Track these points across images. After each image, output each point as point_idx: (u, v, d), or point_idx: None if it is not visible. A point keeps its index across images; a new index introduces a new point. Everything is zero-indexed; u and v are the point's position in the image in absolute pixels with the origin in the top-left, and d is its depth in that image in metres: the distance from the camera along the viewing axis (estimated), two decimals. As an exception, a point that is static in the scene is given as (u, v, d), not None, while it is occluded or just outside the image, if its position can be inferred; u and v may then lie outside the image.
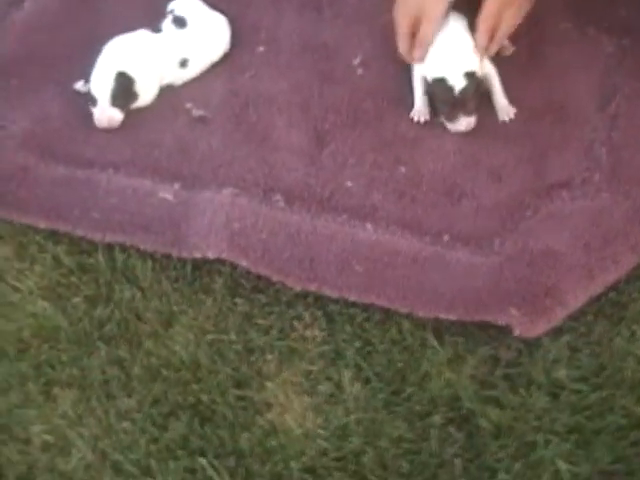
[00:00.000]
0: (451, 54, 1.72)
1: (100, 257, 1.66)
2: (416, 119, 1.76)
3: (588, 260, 1.53)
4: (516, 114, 1.74)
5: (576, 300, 1.51)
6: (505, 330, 1.52)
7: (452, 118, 1.71)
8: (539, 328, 1.49)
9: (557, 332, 1.53)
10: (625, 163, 1.65)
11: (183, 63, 1.87)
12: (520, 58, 1.81)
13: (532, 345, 1.52)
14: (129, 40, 1.86)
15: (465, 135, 1.73)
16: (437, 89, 1.71)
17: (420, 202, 1.65)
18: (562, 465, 1.40)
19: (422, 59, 1.75)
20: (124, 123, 1.82)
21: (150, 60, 1.84)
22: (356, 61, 1.85)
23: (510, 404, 1.47)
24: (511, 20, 1.72)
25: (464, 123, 1.71)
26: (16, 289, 1.67)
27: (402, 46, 1.78)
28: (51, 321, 1.62)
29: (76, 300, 1.64)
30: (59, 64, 1.91)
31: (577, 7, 1.85)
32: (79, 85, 1.87)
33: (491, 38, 1.72)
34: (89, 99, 1.81)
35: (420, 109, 1.77)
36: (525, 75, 1.77)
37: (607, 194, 1.61)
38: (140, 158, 1.75)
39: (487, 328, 1.54)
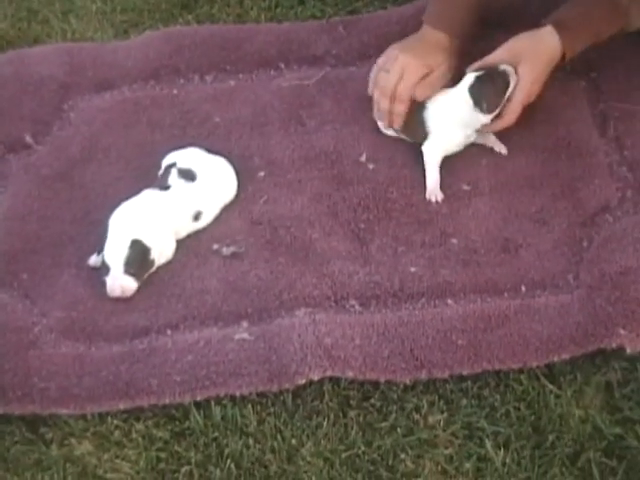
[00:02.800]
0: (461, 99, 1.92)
1: (196, 418, 1.68)
2: (433, 200, 1.90)
3: (661, 266, 1.70)
4: (532, 158, 1.91)
5: (666, 307, 1.68)
6: (607, 354, 1.66)
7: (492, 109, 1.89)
8: (643, 340, 1.65)
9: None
10: (648, 176, 1.86)
11: (197, 216, 1.92)
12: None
13: (636, 360, 1.66)
14: (138, 203, 1.90)
15: (493, 193, 1.89)
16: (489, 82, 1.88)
17: (485, 265, 1.78)
18: None
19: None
20: (162, 281, 1.86)
21: (163, 221, 1.89)
22: (363, 158, 1.97)
23: (645, 418, 1.61)
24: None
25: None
26: (112, 481, 1.68)
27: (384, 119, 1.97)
28: (166, 498, 1.63)
29: (185, 469, 1.65)
30: (62, 247, 1.95)
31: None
32: (92, 260, 1.90)
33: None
34: (103, 269, 1.85)
35: (433, 189, 1.91)
36: (525, 122, 1.92)
37: (646, 206, 1.81)
38: (195, 310, 1.80)
39: (592, 358, 1.67)
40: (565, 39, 1.86)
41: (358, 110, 2.03)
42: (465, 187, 1.91)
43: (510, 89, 1.88)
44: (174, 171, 1.94)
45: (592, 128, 1.95)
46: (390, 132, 2.00)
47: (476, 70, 1.91)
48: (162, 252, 1.89)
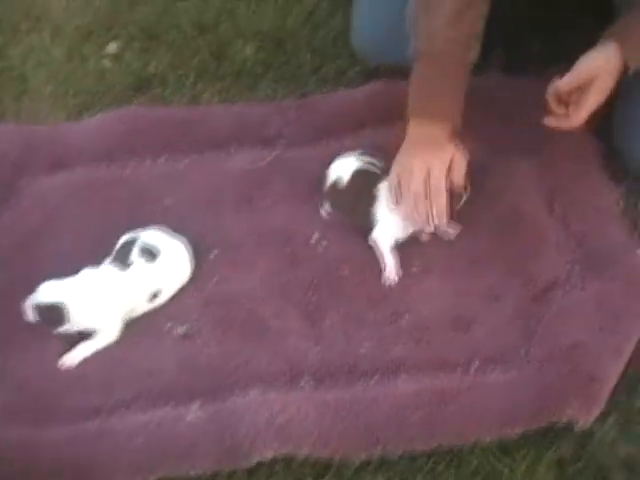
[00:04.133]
0: None
1: (148, 499, 1.69)
2: (391, 278, 1.93)
3: (610, 340, 1.74)
4: (481, 235, 1.96)
5: (613, 379, 1.71)
6: (559, 429, 1.70)
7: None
8: (594, 414, 1.68)
9: (602, 415, 1.71)
10: (594, 250, 1.90)
11: (153, 297, 1.94)
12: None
13: (586, 436, 1.71)
14: (96, 277, 1.92)
15: (447, 271, 1.93)
16: None
17: (437, 342, 1.82)
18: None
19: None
20: (113, 360, 1.86)
21: (114, 299, 1.91)
22: (314, 238, 2.01)
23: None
24: None
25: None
26: None
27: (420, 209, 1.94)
28: None
29: None
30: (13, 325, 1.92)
31: (493, 139, 2.07)
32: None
33: None
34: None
35: (389, 272, 1.94)
36: (474, 201, 1.97)
37: (594, 280, 1.85)
38: (147, 389, 1.80)
39: (544, 432, 1.70)
40: (628, 51, 1.88)
41: (309, 191, 2.07)
42: (414, 268, 1.95)
43: (463, 200, 1.95)
44: (136, 248, 1.96)
45: (539, 205, 2.00)
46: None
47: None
48: (104, 330, 1.90)
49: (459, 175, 1.93)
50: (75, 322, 1.88)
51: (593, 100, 1.90)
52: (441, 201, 1.92)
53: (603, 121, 2.03)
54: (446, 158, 1.93)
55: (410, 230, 1.98)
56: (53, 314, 1.87)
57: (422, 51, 1.93)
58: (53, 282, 1.90)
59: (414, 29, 1.95)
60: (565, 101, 1.92)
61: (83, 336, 1.90)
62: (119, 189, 2.16)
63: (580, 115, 1.91)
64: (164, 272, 1.95)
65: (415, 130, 1.95)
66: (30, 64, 2.52)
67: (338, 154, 2.08)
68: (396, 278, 1.94)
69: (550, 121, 1.94)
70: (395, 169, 1.98)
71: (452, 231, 1.98)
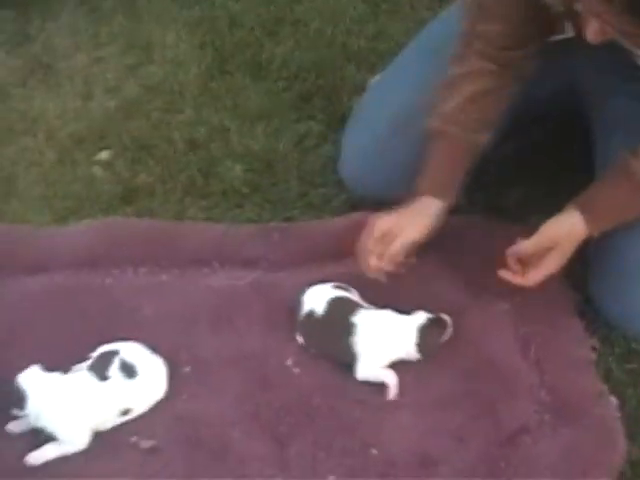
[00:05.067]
0: (396, 320, 2.01)
1: None
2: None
3: (578, 492, 1.75)
4: (455, 376, 1.97)
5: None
6: None
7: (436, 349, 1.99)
8: None
9: None
10: (565, 399, 1.92)
11: (125, 412, 1.93)
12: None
13: None
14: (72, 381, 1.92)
15: (418, 407, 1.93)
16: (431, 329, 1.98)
17: (402, 478, 1.81)
18: None
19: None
20: (72, 469, 1.83)
21: (86, 407, 1.90)
22: (289, 362, 2.02)
23: None
24: None
25: None
26: None
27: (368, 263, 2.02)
28: None
29: None
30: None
31: (470, 281, 2.15)
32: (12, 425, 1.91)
33: None
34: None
35: (395, 387, 1.95)
36: (451, 342, 2.01)
37: (564, 429, 1.86)
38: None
39: None
40: (591, 222, 1.96)
41: (287, 315, 2.09)
42: (387, 400, 1.95)
43: (444, 336, 2.00)
44: (116, 361, 1.95)
45: (513, 350, 2.02)
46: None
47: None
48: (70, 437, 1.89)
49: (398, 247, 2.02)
50: (35, 415, 1.88)
51: (552, 266, 1.98)
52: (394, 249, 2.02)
53: (579, 268, 2.11)
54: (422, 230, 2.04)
55: (394, 357, 2.00)
56: (16, 396, 1.88)
57: (431, 129, 2.07)
58: (36, 369, 1.91)
59: (432, 110, 2.08)
60: (524, 261, 2.00)
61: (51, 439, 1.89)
62: (97, 297, 2.16)
63: (536, 277, 1.99)
64: (140, 390, 1.95)
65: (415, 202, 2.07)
66: (22, 165, 2.57)
67: (318, 281, 2.11)
68: (396, 394, 1.96)
69: (505, 274, 2.01)
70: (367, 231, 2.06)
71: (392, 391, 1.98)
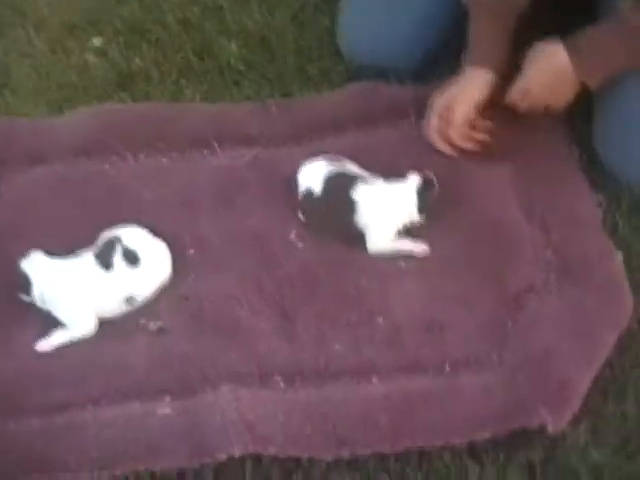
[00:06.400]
0: (398, 190, 2.00)
1: (113, 494, 1.70)
2: (423, 249, 1.97)
3: (583, 348, 1.76)
4: (459, 240, 1.98)
5: (585, 385, 1.73)
6: (529, 433, 1.71)
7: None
8: (565, 420, 1.69)
9: (574, 420, 1.73)
10: (571, 258, 1.92)
11: (129, 300, 1.94)
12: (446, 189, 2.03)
13: (557, 440, 1.72)
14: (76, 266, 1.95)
15: (423, 273, 1.94)
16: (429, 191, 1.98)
17: (409, 344, 1.83)
18: None
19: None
20: (85, 355, 1.88)
21: (90, 294, 1.93)
22: (292, 236, 2.02)
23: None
24: None
25: None
26: None
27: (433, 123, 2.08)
28: None
29: None
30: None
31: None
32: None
33: None
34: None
35: (415, 247, 1.98)
36: (454, 205, 2.01)
37: (570, 288, 1.87)
38: (117, 384, 1.81)
39: (514, 436, 1.71)
40: (578, 63, 1.96)
41: (288, 191, 2.08)
42: (391, 270, 1.97)
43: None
44: (119, 249, 1.95)
45: (518, 210, 2.02)
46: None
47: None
48: (78, 325, 1.92)
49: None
50: (41, 299, 1.91)
51: (529, 79, 2.03)
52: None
53: (584, 126, 2.09)
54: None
55: (400, 225, 1.99)
56: (21, 281, 1.92)
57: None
58: (39, 254, 1.95)
59: None
60: None
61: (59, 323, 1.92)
62: (97, 184, 2.17)
63: (513, 92, 2.05)
64: (144, 277, 1.96)
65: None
66: (13, 56, 2.54)
67: (319, 155, 2.09)
68: (426, 248, 1.97)
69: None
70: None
71: (418, 250, 1.99)
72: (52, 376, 1.85)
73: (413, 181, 1.99)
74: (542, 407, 1.68)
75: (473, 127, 2.09)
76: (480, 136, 2.08)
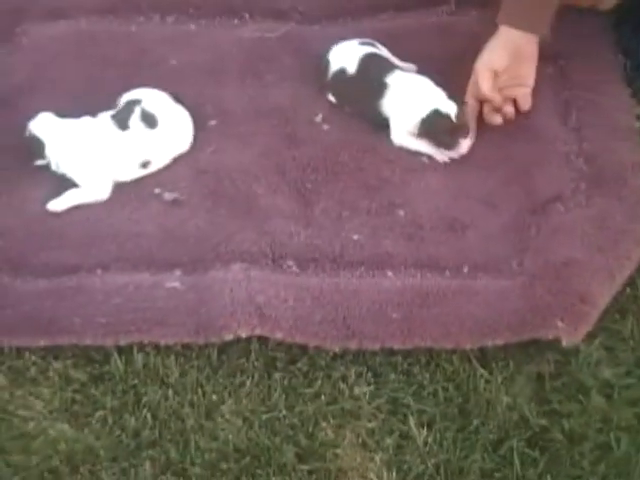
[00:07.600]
0: (429, 90, 1.91)
1: (116, 362, 1.68)
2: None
3: (606, 262, 1.72)
4: (489, 140, 1.91)
5: (604, 301, 1.69)
6: (542, 345, 1.67)
7: (454, 144, 1.87)
8: (580, 334, 1.66)
9: (589, 336, 1.69)
10: (603, 168, 1.86)
11: (145, 164, 1.90)
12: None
13: (570, 354, 1.68)
14: (92, 127, 1.90)
15: (447, 170, 1.89)
16: (436, 121, 1.87)
17: (429, 241, 1.79)
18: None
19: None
20: (97, 219, 1.85)
21: (105, 154, 1.88)
22: (318, 118, 1.96)
23: (572, 413, 1.61)
24: None
25: (465, 146, 1.88)
26: (24, 418, 1.65)
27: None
28: (79, 442, 1.61)
29: (99, 414, 1.64)
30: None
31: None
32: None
33: None
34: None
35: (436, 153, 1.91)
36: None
37: (599, 199, 1.81)
38: (128, 252, 1.79)
39: (526, 347, 1.69)
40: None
41: (318, 70, 2.01)
42: (416, 163, 1.91)
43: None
44: (137, 111, 1.90)
45: (553, 115, 1.96)
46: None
47: None
48: (92, 187, 1.88)
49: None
50: (55, 162, 1.88)
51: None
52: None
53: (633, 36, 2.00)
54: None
55: (424, 114, 1.91)
56: (33, 145, 1.88)
57: None
58: (49, 115, 1.90)
59: None
60: None
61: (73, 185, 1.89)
62: (121, 45, 2.12)
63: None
64: (162, 142, 1.91)
65: (504, 36, 1.92)
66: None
67: (354, 37, 2.02)
68: (446, 158, 1.91)
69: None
70: (477, 64, 1.94)
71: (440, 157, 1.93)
72: (62, 237, 1.82)
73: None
74: (558, 319, 1.64)
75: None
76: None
